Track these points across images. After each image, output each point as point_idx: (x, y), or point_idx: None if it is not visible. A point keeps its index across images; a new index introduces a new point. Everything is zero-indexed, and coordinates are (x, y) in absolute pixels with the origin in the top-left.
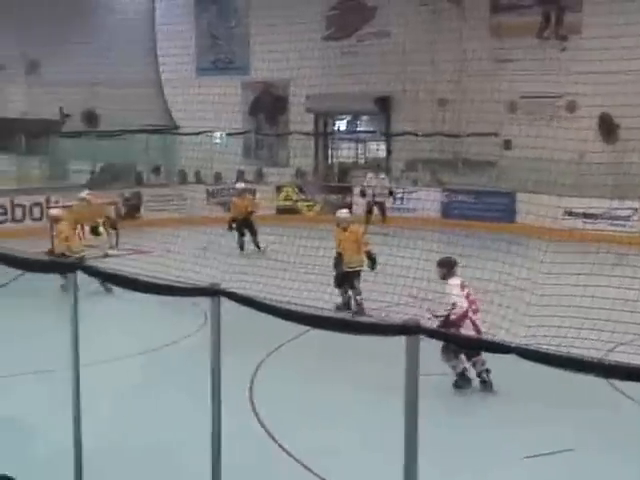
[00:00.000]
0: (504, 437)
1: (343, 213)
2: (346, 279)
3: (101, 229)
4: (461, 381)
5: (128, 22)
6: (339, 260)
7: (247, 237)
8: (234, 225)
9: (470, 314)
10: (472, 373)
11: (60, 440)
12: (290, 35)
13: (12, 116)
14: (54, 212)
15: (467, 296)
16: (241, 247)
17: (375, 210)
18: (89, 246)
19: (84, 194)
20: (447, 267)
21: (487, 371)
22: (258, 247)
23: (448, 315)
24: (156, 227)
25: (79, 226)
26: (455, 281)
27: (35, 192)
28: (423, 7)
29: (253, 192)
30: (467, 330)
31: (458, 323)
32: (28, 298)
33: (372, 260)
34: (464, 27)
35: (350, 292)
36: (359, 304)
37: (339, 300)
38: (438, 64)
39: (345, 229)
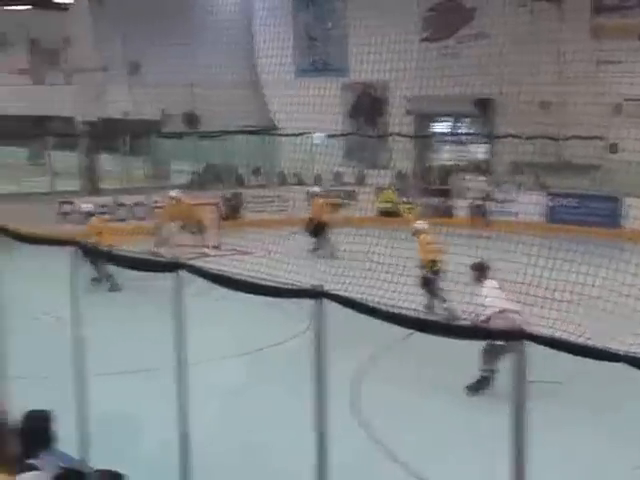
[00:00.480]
0: (613, 446)
1: (420, 224)
2: (429, 283)
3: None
4: (482, 385)
5: (227, 23)
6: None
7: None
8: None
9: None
10: None
11: (168, 437)
12: (388, 36)
13: (115, 116)
14: None
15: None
16: (314, 249)
17: (478, 213)
18: (184, 245)
19: (174, 193)
20: (479, 271)
21: None
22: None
23: (488, 318)
24: (256, 228)
25: (169, 224)
26: (489, 283)
27: (138, 192)
28: (522, 8)
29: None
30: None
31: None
32: (134, 297)
33: (434, 266)
34: (564, 28)
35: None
36: (447, 310)
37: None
38: (538, 66)
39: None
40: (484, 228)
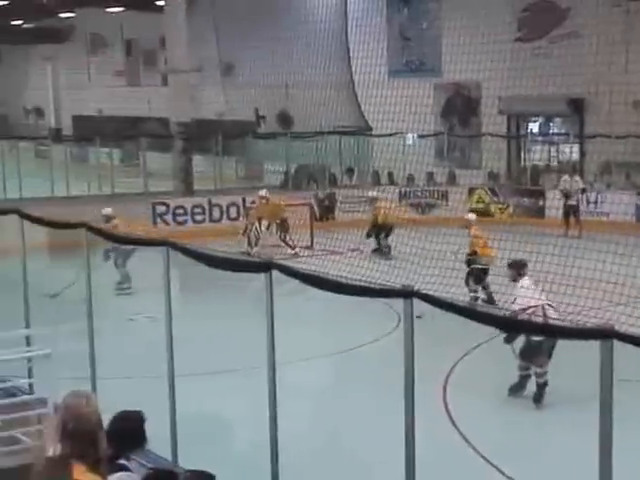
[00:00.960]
0: None
1: (471, 215)
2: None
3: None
4: (520, 387)
5: (321, 24)
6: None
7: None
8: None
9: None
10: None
11: (257, 438)
12: (482, 36)
13: (209, 117)
14: None
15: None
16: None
17: (570, 213)
18: (276, 246)
19: (263, 192)
20: (516, 269)
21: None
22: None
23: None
24: (349, 228)
25: (256, 223)
26: (524, 282)
27: (231, 192)
28: (616, 8)
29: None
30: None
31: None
32: (226, 297)
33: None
34: None
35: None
36: (490, 296)
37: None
38: (631, 65)
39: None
40: (575, 228)
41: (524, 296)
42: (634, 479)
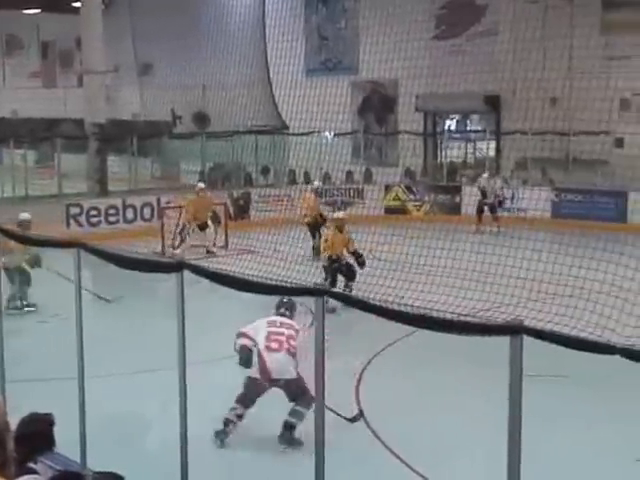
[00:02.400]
0: (615, 438)
1: (344, 214)
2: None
3: (209, 223)
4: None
5: (238, 24)
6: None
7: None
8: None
9: (261, 347)
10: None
11: (168, 437)
12: (399, 35)
13: (125, 118)
14: None
15: (270, 334)
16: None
17: (486, 211)
18: (195, 246)
19: (201, 186)
20: (277, 308)
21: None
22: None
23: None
24: (265, 227)
25: (191, 223)
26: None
27: (147, 193)
28: (533, 5)
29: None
30: (256, 360)
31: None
32: (137, 298)
33: (359, 259)
34: (574, 24)
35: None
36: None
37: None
38: (548, 62)
39: (341, 230)
40: (491, 224)
41: (252, 328)
42: (543, 474)
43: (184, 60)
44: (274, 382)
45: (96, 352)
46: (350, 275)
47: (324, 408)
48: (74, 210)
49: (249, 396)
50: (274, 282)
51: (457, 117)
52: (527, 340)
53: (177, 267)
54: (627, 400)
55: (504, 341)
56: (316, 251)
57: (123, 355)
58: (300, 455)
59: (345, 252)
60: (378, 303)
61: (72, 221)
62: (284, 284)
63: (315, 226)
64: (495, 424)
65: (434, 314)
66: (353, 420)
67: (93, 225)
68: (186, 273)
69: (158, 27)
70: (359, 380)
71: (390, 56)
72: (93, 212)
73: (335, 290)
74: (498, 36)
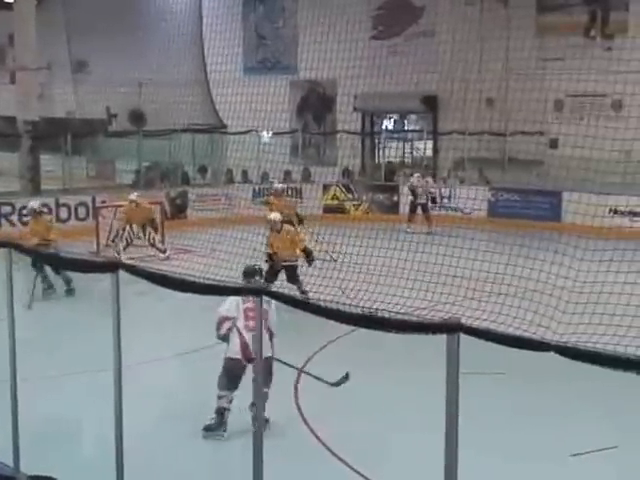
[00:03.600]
0: (549, 435)
1: (275, 215)
2: (284, 273)
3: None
4: (215, 422)
5: (175, 22)
6: (271, 259)
7: None
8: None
9: (241, 327)
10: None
11: (104, 440)
12: (337, 34)
13: (59, 115)
14: None
15: (245, 310)
16: None
17: (418, 210)
18: (135, 246)
19: (133, 196)
20: (247, 277)
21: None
22: None
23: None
24: (202, 227)
25: (127, 227)
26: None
27: (81, 192)
28: (469, 7)
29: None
30: (233, 342)
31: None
32: (77, 298)
33: (309, 255)
34: (510, 26)
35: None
36: (304, 293)
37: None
38: (485, 63)
39: (279, 231)
40: (425, 223)
41: (228, 308)
42: (481, 473)
43: (120, 57)
44: (253, 361)
45: (28, 354)
46: (289, 276)
47: (263, 404)
48: (5, 209)
49: (233, 379)
50: (212, 282)
51: (395, 117)
52: (463, 338)
53: (112, 267)
54: (561, 396)
55: (440, 340)
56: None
57: (55, 357)
58: (237, 450)
59: (297, 251)
60: (316, 302)
61: (3, 220)
62: (223, 284)
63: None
64: (431, 422)
65: (372, 313)
66: (338, 384)
67: (25, 224)
68: (122, 273)
69: (93, 23)
70: (298, 378)
71: (328, 56)
72: (25, 211)
73: (273, 290)
74: (435, 37)
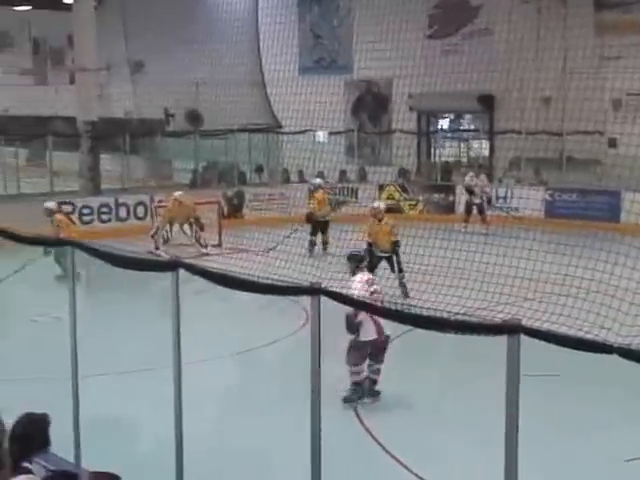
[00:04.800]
0: (603, 438)
1: (379, 203)
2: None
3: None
4: (355, 394)
5: (232, 22)
6: (370, 249)
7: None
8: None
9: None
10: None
11: (163, 438)
12: (393, 34)
13: (117, 116)
14: None
15: (372, 294)
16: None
17: (474, 210)
18: (184, 245)
19: (178, 195)
20: (354, 263)
21: (374, 382)
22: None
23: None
24: (259, 226)
25: (168, 225)
26: (360, 277)
27: (139, 191)
28: (527, 5)
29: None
30: (367, 328)
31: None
32: (131, 296)
33: (396, 249)
34: (568, 25)
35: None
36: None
37: None
38: (542, 62)
39: (380, 220)
40: (482, 224)
41: (358, 297)
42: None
43: (177, 58)
44: (385, 341)
45: (89, 351)
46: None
47: (320, 407)
48: (66, 208)
49: (363, 355)
50: (269, 281)
51: (451, 116)
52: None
53: (172, 266)
54: (618, 400)
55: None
56: (325, 246)
57: (116, 354)
58: (295, 452)
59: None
60: (374, 302)
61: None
62: (280, 283)
63: (324, 223)
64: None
65: (431, 313)
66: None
67: (86, 223)
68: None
69: (151, 24)
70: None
71: (383, 55)
72: (85, 210)
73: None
74: (492, 36)
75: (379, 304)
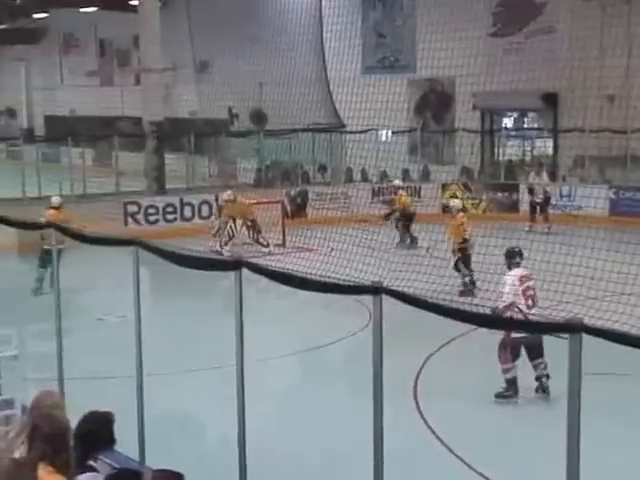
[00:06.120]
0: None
1: (456, 201)
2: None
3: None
4: (508, 391)
5: (296, 22)
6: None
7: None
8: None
9: (523, 308)
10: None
11: (227, 436)
12: (456, 32)
13: (182, 116)
14: None
15: (524, 290)
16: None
17: (537, 209)
18: (248, 244)
19: (227, 195)
20: (509, 258)
21: (547, 376)
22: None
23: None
24: (322, 225)
25: (230, 221)
26: (515, 272)
27: (204, 191)
28: (591, 3)
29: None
30: None
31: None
32: (196, 296)
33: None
34: (632, 22)
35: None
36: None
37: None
38: (606, 59)
39: (454, 216)
40: (544, 223)
41: (508, 292)
42: (603, 474)
43: (241, 58)
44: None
45: (152, 350)
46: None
47: (382, 408)
48: (132, 208)
49: (517, 353)
50: (333, 280)
51: (514, 115)
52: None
53: (236, 265)
54: None
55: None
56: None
57: (179, 353)
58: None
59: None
60: (436, 302)
61: (130, 219)
62: (342, 282)
63: (409, 220)
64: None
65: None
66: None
67: (151, 223)
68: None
69: (215, 25)
70: (417, 378)
71: (447, 54)
72: (151, 210)
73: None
74: (556, 34)
75: (533, 300)
